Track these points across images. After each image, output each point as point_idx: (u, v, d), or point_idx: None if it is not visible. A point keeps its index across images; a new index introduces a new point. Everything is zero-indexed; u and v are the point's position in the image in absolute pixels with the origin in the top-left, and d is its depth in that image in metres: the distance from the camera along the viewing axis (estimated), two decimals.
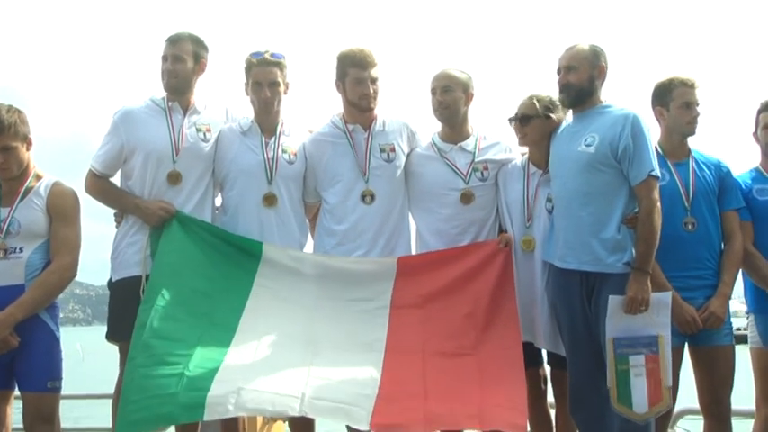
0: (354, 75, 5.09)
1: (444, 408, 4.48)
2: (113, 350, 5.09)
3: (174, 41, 5.11)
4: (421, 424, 4.48)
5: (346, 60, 5.13)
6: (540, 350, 5.13)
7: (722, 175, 5.08)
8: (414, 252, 5.26)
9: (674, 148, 5.07)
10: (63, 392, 4.98)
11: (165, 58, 5.11)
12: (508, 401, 4.48)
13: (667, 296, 4.62)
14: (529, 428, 5.18)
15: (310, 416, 4.60)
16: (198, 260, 4.97)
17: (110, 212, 5.26)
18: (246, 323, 4.84)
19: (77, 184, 5.10)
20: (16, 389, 4.86)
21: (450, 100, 5.12)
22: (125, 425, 4.43)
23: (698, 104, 5.04)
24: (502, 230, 5.18)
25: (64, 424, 5.10)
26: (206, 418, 4.36)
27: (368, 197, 5.12)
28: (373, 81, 5.10)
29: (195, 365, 4.48)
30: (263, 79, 5.08)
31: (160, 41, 5.23)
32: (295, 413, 4.43)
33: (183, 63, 5.09)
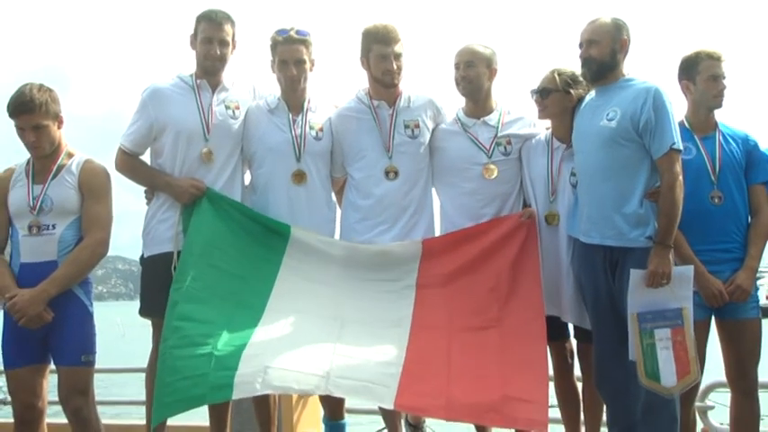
0: (378, 51, 5.12)
1: (466, 398, 4.51)
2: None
3: (218, 23, 5.09)
4: (442, 410, 4.55)
5: (370, 36, 5.16)
6: (565, 324, 5.15)
7: (749, 149, 5.04)
8: (436, 227, 5.30)
9: (701, 121, 5.05)
10: (103, 366, 5.10)
11: (208, 41, 5.09)
12: (529, 393, 4.51)
13: (689, 269, 4.62)
14: (556, 402, 5.26)
15: (335, 395, 4.66)
16: (227, 239, 5.03)
17: None
18: (274, 303, 4.92)
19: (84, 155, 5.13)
20: (51, 363, 4.96)
21: (474, 74, 5.15)
22: (160, 407, 4.54)
23: (724, 77, 5.01)
24: (526, 205, 5.21)
25: (102, 397, 5.21)
26: (234, 396, 4.47)
27: (391, 173, 5.16)
28: (397, 57, 5.13)
29: (224, 345, 4.57)
30: (290, 57, 5.11)
31: (189, 18, 5.20)
32: (320, 392, 4.55)
33: (227, 47, 5.14)
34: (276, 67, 5.18)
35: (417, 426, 5.37)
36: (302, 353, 4.58)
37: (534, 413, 4.45)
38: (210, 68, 5.16)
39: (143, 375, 5.24)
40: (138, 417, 7.50)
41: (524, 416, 4.47)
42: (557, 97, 5.05)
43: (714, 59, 5.00)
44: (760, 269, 5.06)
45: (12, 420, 5.09)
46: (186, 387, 4.48)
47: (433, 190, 5.38)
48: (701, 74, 4.99)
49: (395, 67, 5.14)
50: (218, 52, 5.11)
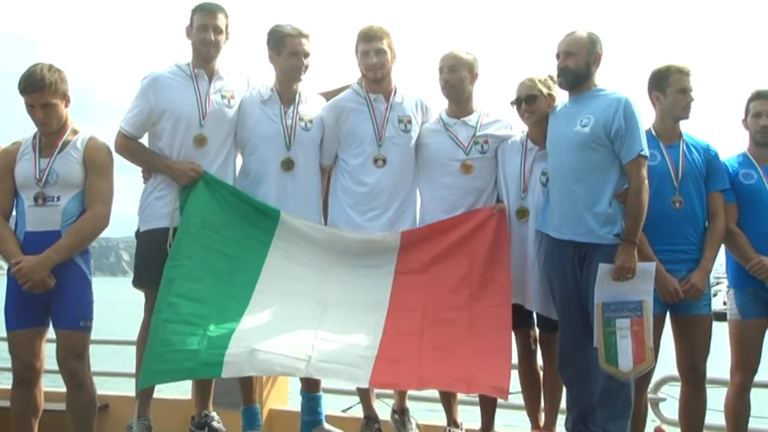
0: (362, 48, 5.45)
1: (436, 372, 4.86)
2: None
3: (212, 12, 5.35)
4: (414, 383, 4.97)
5: (358, 36, 5.49)
6: (530, 313, 5.45)
7: (710, 158, 5.35)
8: (418, 216, 5.60)
9: (667, 131, 5.34)
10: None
11: (203, 28, 5.34)
12: (493, 365, 4.84)
13: (652, 266, 4.95)
14: (520, 388, 5.58)
15: (315, 377, 5.07)
16: (221, 221, 5.28)
17: None
18: (263, 284, 5.21)
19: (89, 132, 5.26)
20: (50, 327, 5.17)
21: (456, 79, 5.45)
22: (149, 373, 4.82)
23: (692, 90, 5.30)
24: (499, 201, 5.49)
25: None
26: (223, 375, 4.79)
27: (380, 161, 5.45)
28: (378, 53, 5.41)
29: (215, 325, 4.87)
30: (300, 50, 5.40)
31: None
32: (301, 374, 4.92)
33: (221, 34, 5.39)
34: (283, 59, 5.42)
35: (402, 412, 5.67)
36: (286, 337, 4.90)
37: (497, 381, 4.78)
38: (206, 54, 5.40)
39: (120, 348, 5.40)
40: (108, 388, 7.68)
41: (488, 383, 4.83)
42: (542, 101, 5.31)
43: (683, 74, 5.30)
44: (717, 276, 5.39)
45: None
46: (177, 359, 4.77)
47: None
48: (671, 86, 5.28)
49: (375, 61, 5.41)
50: (213, 38, 5.36)
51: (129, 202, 5.54)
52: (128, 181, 5.69)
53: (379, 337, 5.03)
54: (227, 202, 5.35)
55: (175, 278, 5.02)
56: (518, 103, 5.38)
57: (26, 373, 5.11)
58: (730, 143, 5.88)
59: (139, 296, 5.43)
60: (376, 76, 5.48)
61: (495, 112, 5.66)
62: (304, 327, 5.02)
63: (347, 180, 5.55)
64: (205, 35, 5.37)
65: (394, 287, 5.35)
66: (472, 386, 4.95)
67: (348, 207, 5.52)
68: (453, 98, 5.55)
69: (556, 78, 5.27)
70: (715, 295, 5.35)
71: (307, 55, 5.44)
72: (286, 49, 5.42)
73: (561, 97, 5.36)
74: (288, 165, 5.44)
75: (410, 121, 5.54)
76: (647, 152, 4.98)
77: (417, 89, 5.71)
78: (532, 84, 5.34)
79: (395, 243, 5.46)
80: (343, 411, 7.08)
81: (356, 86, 5.60)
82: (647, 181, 4.94)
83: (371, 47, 5.42)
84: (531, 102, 5.34)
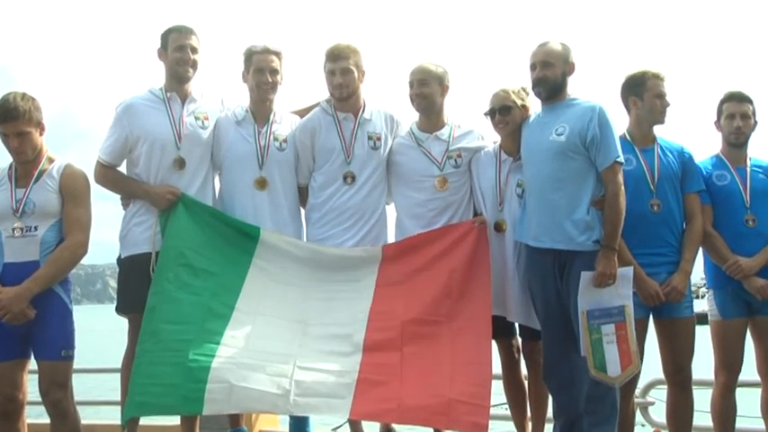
0: (328, 67, 5.46)
1: (416, 401, 4.84)
2: None
3: (186, 33, 5.39)
4: (394, 414, 4.94)
5: (325, 54, 5.50)
6: (512, 323, 5.45)
7: (685, 160, 5.38)
8: (390, 234, 5.60)
9: (642, 135, 5.37)
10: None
11: (180, 48, 5.37)
12: (472, 397, 4.84)
13: (629, 270, 4.97)
14: (504, 394, 5.60)
15: (295, 414, 5.09)
16: (201, 241, 5.29)
17: None
18: (242, 303, 5.21)
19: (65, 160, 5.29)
20: (31, 358, 5.12)
21: (428, 92, 5.45)
22: (132, 405, 4.85)
23: (667, 95, 5.36)
24: (476, 212, 5.50)
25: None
26: (204, 412, 4.84)
27: (349, 178, 5.45)
28: (343, 72, 5.41)
29: (196, 349, 4.87)
30: (266, 66, 5.41)
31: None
32: (280, 412, 5.04)
33: (197, 54, 5.42)
34: (250, 76, 5.45)
35: (389, 430, 5.66)
36: (265, 367, 4.90)
37: (476, 416, 4.81)
38: (183, 74, 5.43)
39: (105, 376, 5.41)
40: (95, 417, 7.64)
41: (467, 419, 4.83)
42: (517, 113, 5.32)
43: (659, 79, 5.35)
44: (701, 281, 5.37)
45: None
46: (158, 393, 4.82)
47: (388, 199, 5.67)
48: (648, 92, 5.32)
49: (340, 81, 5.42)
50: (191, 57, 5.39)
51: (115, 229, 5.52)
52: (113, 207, 5.68)
53: (359, 357, 5.03)
54: (207, 222, 5.36)
55: (156, 305, 5.05)
56: (492, 113, 5.37)
57: (8, 405, 5.07)
58: (701, 145, 5.90)
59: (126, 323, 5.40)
60: (341, 96, 5.48)
61: (466, 123, 5.66)
62: (283, 352, 5.02)
63: (317, 197, 5.55)
64: (182, 55, 5.40)
65: (375, 298, 5.33)
66: (452, 422, 4.91)
67: (319, 225, 5.52)
68: (424, 112, 5.54)
69: (531, 89, 5.27)
70: (703, 297, 5.35)
71: (274, 72, 5.45)
72: (252, 66, 5.44)
73: (533, 108, 5.39)
74: (262, 184, 5.45)
75: (380, 138, 5.53)
76: (622, 158, 5.01)
77: (387, 103, 5.73)
78: (506, 95, 5.34)
79: (376, 257, 5.45)
80: (333, 430, 7.06)
81: (325, 105, 5.59)
82: (623, 187, 4.97)
83: (337, 66, 5.43)
84: (505, 113, 5.34)
